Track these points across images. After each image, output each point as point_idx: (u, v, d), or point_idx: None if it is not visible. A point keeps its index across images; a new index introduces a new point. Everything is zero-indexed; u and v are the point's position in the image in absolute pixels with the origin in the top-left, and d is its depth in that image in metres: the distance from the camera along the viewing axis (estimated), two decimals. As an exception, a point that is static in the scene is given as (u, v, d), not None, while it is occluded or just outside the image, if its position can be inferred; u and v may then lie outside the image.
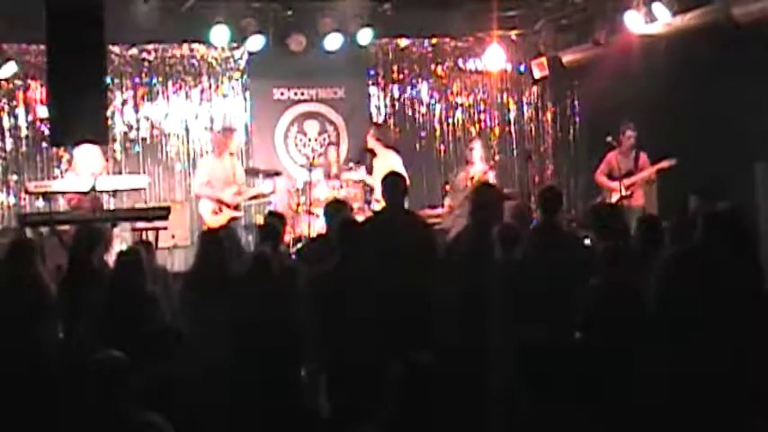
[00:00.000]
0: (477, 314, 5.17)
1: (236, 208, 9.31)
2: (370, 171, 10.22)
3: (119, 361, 3.63)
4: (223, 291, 5.39)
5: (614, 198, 9.41)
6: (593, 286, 5.00)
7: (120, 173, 10.33)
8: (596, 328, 4.91)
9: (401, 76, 11.79)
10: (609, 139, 9.62)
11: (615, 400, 4.69)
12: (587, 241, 6.49)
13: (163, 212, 8.18)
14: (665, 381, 4.54)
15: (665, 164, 9.38)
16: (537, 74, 11.47)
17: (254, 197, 9.72)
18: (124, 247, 6.32)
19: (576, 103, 12.26)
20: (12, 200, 10.21)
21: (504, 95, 12.11)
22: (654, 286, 4.72)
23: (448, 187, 9.90)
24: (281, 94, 11.29)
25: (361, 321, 5.11)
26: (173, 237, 8.82)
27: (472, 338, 5.19)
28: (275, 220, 6.58)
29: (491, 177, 9.65)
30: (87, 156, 8.67)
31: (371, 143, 10.05)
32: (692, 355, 4.48)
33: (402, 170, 8.38)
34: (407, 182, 6.17)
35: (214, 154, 9.53)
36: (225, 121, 10.98)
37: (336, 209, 6.33)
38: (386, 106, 11.73)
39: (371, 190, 10.00)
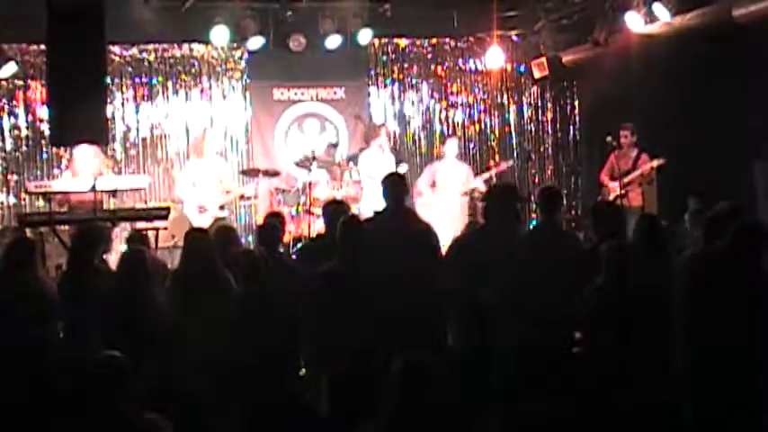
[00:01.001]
0: (479, 314, 5.17)
1: (222, 208, 9.32)
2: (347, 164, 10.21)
3: (118, 361, 3.62)
4: (211, 288, 5.41)
5: (611, 198, 9.42)
6: (596, 286, 4.98)
7: (120, 173, 10.34)
8: (600, 328, 4.89)
9: (401, 76, 11.80)
10: (609, 139, 9.63)
11: (620, 400, 4.69)
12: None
13: (163, 212, 8.18)
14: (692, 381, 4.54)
15: (654, 162, 9.39)
16: (537, 74, 11.48)
17: (240, 197, 9.75)
18: (126, 247, 6.31)
19: (576, 103, 12.27)
20: (12, 200, 10.23)
21: (504, 95, 12.12)
22: (683, 285, 4.70)
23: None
24: (281, 94, 11.30)
25: (362, 320, 5.11)
26: (173, 237, 8.82)
27: (473, 338, 5.19)
28: (274, 221, 6.57)
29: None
30: (86, 156, 8.67)
31: (384, 141, 10.04)
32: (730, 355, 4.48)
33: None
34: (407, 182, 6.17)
35: (195, 156, 9.53)
36: (225, 122, 11.00)
37: (335, 209, 6.33)
38: (386, 106, 11.74)
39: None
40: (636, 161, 9.55)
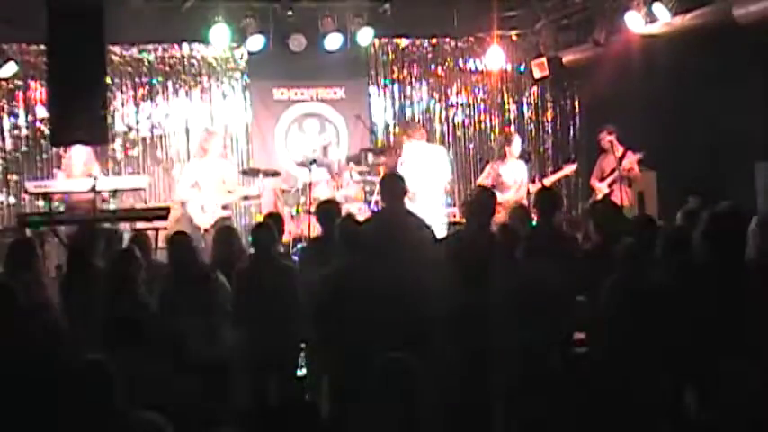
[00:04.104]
0: (479, 315, 5.17)
1: (225, 208, 9.29)
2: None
3: (106, 363, 3.62)
4: (198, 289, 5.41)
5: (599, 197, 9.42)
6: (611, 285, 4.94)
7: (120, 173, 10.33)
8: (615, 328, 4.87)
9: (401, 76, 11.80)
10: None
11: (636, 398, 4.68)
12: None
13: (163, 212, 8.17)
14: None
15: (633, 157, 9.45)
16: (537, 74, 11.47)
17: (244, 198, 9.73)
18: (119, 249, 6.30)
19: (576, 103, 12.27)
20: (12, 200, 10.22)
21: (504, 95, 12.12)
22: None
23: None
24: (281, 94, 11.30)
25: (362, 321, 5.11)
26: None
27: (474, 339, 5.18)
28: (272, 221, 6.57)
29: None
30: (79, 157, 8.69)
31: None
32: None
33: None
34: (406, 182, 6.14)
35: (198, 156, 9.52)
36: (225, 122, 11.00)
37: (328, 209, 6.33)
38: (386, 106, 11.75)
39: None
40: (620, 160, 9.56)
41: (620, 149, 9.58)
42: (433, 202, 9.03)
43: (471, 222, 5.59)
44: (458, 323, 4.92)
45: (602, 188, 9.64)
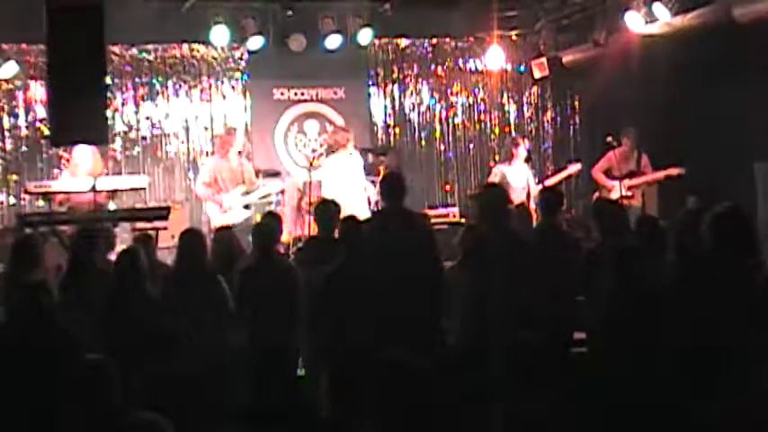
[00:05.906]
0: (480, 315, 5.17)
1: (246, 207, 9.23)
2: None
3: (106, 363, 3.62)
4: (201, 289, 5.42)
5: (614, 197, 9.42)
6: (604, 287, 4.94)
7: (120, 173, 10.33)
8: (607, 329, 4.87)
9: (401, 76, 11.80)
10: (609, 139, 9.63)
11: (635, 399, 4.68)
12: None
13: (163, 212, 8.17)
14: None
15: (673, 171, 9.41)
16: (537, 74, 11.48)
17: (264, 197, 9.67)
18: (123, 248, 6.31)
19: (576, 103, 12.27)
20: (12, 200, 10.22)
21: (504, 95, 12.12)
22: None
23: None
24: (281, 94, 11.30)
25: (363, 320, 5.12)
26: (173, 237, 8.79)
27: (474, 339, 5.19)
28: (271, 221, 6.57)
29: None
30: (84, 156, 8.66)
31: (351, 146, 9.38)
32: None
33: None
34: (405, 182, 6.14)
35: (219, 154, 9.47)
36: (225, 121, 10.99)
37: (325, 209, 6.33)
38: (386, 106, 11.75)
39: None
40: (638, 163, 9.56)
41: (635, 152, 9.60)
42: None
43: (487, 219, 5.49)
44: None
45: (613, 186, 9.58)
